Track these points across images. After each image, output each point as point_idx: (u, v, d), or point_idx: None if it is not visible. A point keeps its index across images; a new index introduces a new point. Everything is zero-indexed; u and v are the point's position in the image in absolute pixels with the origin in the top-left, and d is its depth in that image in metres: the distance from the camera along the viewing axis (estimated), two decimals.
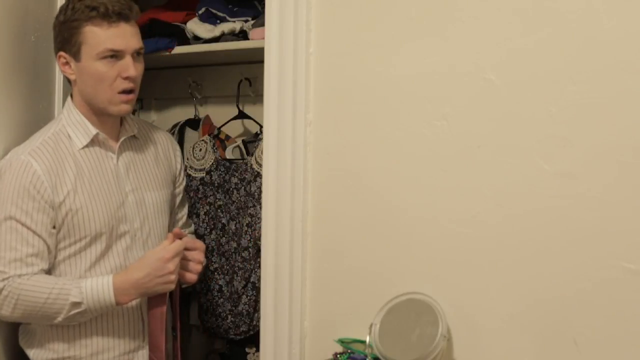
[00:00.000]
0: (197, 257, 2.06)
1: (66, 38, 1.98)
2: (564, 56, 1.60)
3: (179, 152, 2.30)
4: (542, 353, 1.64)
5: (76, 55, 1.97)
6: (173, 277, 1.96)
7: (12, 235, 1.91)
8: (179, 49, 2.54)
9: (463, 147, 1.72)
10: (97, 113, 2.02)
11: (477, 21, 1.70)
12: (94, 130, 2.01)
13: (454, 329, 1.72)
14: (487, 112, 1.69)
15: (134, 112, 2.81)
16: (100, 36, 1.94)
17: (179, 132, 2.79)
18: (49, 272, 1.96)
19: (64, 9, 2.00)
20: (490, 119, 1.69)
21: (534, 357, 1.65)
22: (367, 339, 1.75)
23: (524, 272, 1.66)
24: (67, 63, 2.00)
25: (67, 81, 2.07)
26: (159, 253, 1.96)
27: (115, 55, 1.96)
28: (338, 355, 1.80)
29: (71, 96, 2.07)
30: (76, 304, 1.91)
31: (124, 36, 1.96)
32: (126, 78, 1.97)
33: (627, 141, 1.55)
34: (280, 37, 1.92)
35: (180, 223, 2.31)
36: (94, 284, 1.93)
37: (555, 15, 1.61)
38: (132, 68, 1.97)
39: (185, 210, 2.33)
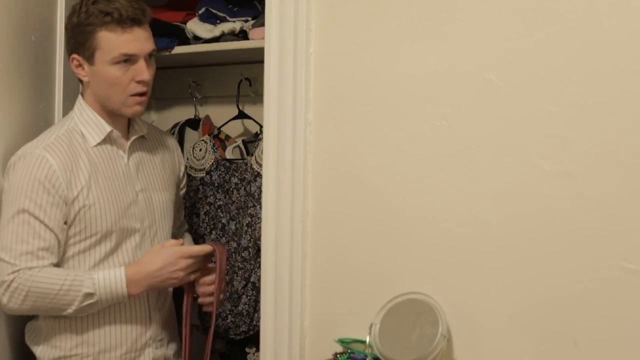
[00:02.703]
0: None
1: (80, 41, 1.98)
2: (564, 56, 1.61)
3: (182, 157, 2.35)
4: (542, 353, 1.64)
5: (90, 58, 1.99)
6: (182, 274, 2.00)
7: (25, 228, 1.91)
8: (179, 49, 2.54)
9: (463, 147, 1.72)
10: (109, 113, 2.04)
11: (478, 21, 1.70)
12: (108, 128, 2.04)
13: (454, 329, 1.72)
14: (487, 112, 1.69)
15: None
16: (114, 42, 1.96)
17: (179, 132, 2.79)
18: (57, 266, 1.97)
19: (77, 11, 2.00)
20: (490, 119, 1.69)
21: (534, 357, 1.65)
22: (367, 339, 1.75)
23: (524, 272, 1.66)
24: (80, 65, 2.01)
25: (79, 81, 2.08)
26: (173, 248, 2.01)
27: (129, 59, 1.98)
28: (338, 355, 1.80)
29: (82, 95, 2.08)
30: (89, 295, 1.92)
31: (138, 40, 1.98)
32: (139, 82, 2.00)
33: (627, 141, 1.55)
34: (280, 37, 1.92)
35: (178, 223, 2.33)
36: (106, 275, 1.94)
37: (555, 15, 1.61)
38: (145, 72, 2.00)
39: (182, 212, 2.37)
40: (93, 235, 1.99)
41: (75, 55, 2.01)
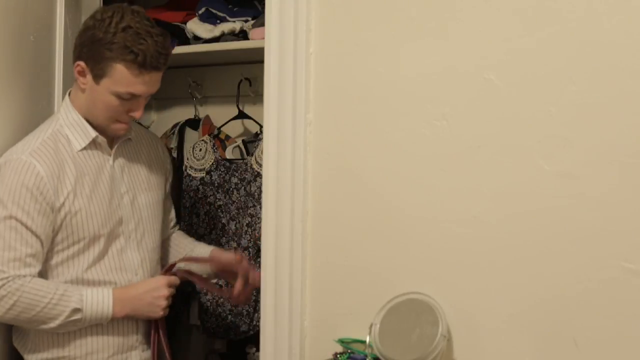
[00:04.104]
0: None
1: (93, 56, 1.94)
2: (564, 56, 1.60)
3: (168, 154, 2.33)
4: (542, 353, 1.64)
5: (96, 77, 1.95)
6: (165, 302, 2.03)
7: (12, 235, 1.90)
8: (179, 49, 2.55)
9: (463, 147, 1.72)
10: None
11: (478, 21, 1.70)
12: (93, 133, 2.01)
13: (454, 329, 1.72)
14: (487, 112, 1.69)
15: None
16: (127, 80, 1.93)
17: (179, 132, 2.79)
18: (41, 274, 1.96)
19: (103, 25, 1.92)
20: (490, 119, 1.69)
21: (534, 357, 1.65)
22: (367, 339, 1.75)
23: (524, 272, 1.66)
24: (82, 73, 1.97)
25: (75, 80, 2.04)
26: (159, 278, 2.07)
27: (132, 97, 1.96)
28: (338, 355, 1.80)
29: (69, 96, 2.05)
30: (76, 310, 1.92)
31: (149, 84, 1.96)
32: (130, 116, 1.99)
33: (627, 141, 1.55)
34: (280, 37, 1.92)
35: (172, 224, 2.33)
36: (94, 293, 1.95)
37: (555, 15, 1.61)
38: (141, 110, 1.99)
39: (173, 211, 2.35)
40: (81, 240, 1.98)
41: (81, 63, 1.96)
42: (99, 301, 1.94)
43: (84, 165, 2.00)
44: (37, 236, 1.92)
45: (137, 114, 2.00)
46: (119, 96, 1.94)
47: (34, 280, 1.91)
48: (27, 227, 1.90)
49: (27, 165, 1.91)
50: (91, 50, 1.94)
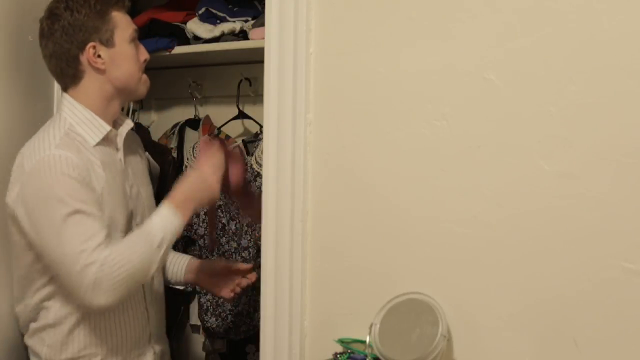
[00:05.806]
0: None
1: (96, 27, 1.96)
2: (564, 56, 1.61)
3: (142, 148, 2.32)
4: (542, 353, 1.64)
5: (109, 41, 1.98)
6: (214, 178, 2.02)
7: (84, 226, 1.83)
8: (179, 49, 2.55)
9: (463, 147, 1.72)
10: (106, 107, 2.01)
11: (477, 21, 1.70)
12: (107, 127, 2.00)
13: (454, 329, 1.72)
14: (487, 112, 1.69)
15: (134, 112, 2.83)
16: (126, 20, 2.02)
17: (179, 132, 2.79)
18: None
19: (71, 10, 1.95)
20: (490, 119, 1.69)
21: (534, 357, 1.65)
22: (367, 339, 1.75)
23: (524, 272, 1.66)
24: (97, 53, 1.97)
25: (71, 80, 1.99)
26: (206, 166, 2.06)
27: (135, 38, 2.04)
28: (338, 355, 1.80)
29: (71, 96, 2.00)
30: (160, 245, 1.89)
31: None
32: (144, 61, 2.07)
33: (627, 141, 1.55)
34: (280, 37, 1.92)
35: None
36: (156, 217, 1.93)
37: (555, 15, 1.61)
38: (146, 51, 2.08)
39: None
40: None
41: (92, 43, 1.95)
42: (165, 219, 1.92)
43: (104, 162, 1.97)
44: (99, 218, 1.86)
45: (147, 56, 2.07)
46: (132, 40, 2.02)
47: (114, 250, 1.84)
48: (93, 216, 1.85)
49: (64, 157, 1.86)
50: (87, 27, 1.96)
